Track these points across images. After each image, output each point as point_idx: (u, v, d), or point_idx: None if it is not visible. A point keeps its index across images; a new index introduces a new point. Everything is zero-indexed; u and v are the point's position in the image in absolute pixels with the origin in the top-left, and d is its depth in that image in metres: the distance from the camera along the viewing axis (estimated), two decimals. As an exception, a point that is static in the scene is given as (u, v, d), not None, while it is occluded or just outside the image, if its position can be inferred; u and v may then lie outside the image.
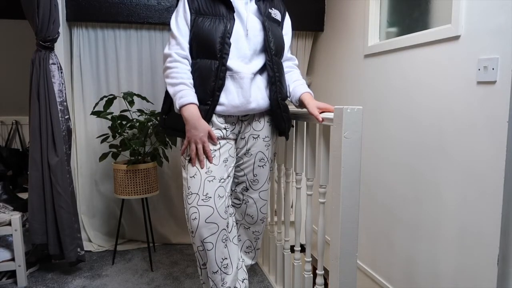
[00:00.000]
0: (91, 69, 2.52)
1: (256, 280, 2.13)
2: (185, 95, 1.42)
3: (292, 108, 1.68)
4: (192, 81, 1.47)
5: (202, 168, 1.46)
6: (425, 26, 1.88)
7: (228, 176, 1.52)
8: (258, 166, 1.62)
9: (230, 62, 1.47)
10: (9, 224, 2.00)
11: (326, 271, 1.72)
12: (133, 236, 2.66)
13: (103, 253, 2.49)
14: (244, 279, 1.63)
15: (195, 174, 1.46)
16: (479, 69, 1.51)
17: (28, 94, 2.03)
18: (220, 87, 1.47)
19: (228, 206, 1.51)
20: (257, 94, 1.52)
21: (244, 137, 1.59)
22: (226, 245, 1.48)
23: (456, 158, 1.65)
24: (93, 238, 2.57)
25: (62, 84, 2.09)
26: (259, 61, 1.54)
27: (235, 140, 1.59)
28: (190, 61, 1.50)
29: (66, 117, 2.11)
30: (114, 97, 2.26)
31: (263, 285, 2.09)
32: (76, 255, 2.12)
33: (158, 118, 2.30)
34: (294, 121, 1.73)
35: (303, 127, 1.69)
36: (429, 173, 1.81)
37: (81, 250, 2.17)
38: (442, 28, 1.70)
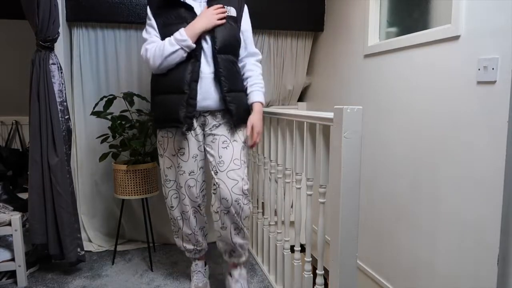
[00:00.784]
0: (91, 69, 2.52)
1: (256, 280, 2.13)
2: (173, 38, 1.65)
3: (289, 110, 1.70)
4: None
5: (174, 162, 1.80)
6: (425, 26, 1.88)
7: (200, 168, 1.82)
8: (222, 147, 1.76)
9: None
10: (9, 224, 2.00)
11: (326, 271, 1.72)
12: (133, 236, 2.66)
13: (103, 253, 2.49)
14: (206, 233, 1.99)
15: (170, 166, 1.82)
16: (479, 69, 1.51)
17: (28, 94, 2.03)
18: (196, 79, 1.67)
19: (201, 190, 1.84)
20: (214, 92, 1.72)
21: (210, 128, 1.79)
22: (195, 216, 1.86)
23: (456, 158, 1.65)
24: (93, 238, 2.57)
25: (62, 84, 2.09)
26: (212, 60, 1.71)
27: (203, 133, 1.81)
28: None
29: (66, 117, 2.11)
30: (114, 97, 2.26)
31: (263, 285, 2.09)
32: (76, 255, 2.12)
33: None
34: (294, 120, 1.73)
35: (303, 127, 1.69)
36: (429, 173, 1.81)
37: (81, 250, 2.17)
38: (442, 28, 1.70)
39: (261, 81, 1.84)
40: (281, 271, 1.99)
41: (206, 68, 1.71)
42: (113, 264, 2.34)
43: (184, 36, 1.63)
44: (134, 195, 2.24)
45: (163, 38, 1.69)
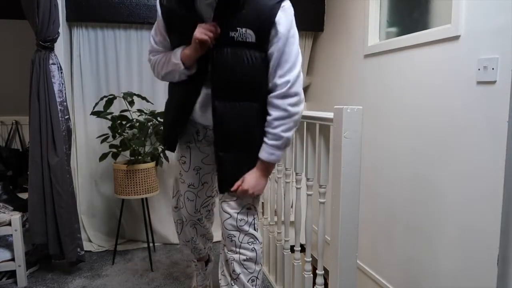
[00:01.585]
0: (91, 69, 2.52)
1: (256, 280, 2.13)
2: (175, 51, 1.33)
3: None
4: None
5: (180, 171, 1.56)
6: (425, 26, 1.88)
7: (203, 184, 1.54)
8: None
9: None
10: (9, 224, 2.00)
11: (326, 271, 1.72)
12: (133, 236, 2.66)
13: (103, 253, 2.49)
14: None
15: (180, 171, 1.58)
16: (479, 69, 1.51)
17: (28, 94, 2.03)
18: (189, 111, 1.38)
19: (202, 207, 1.59)
20: (210, 113, 1.34)
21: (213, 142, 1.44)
22: (195, 227, 1.65)
23: (456, 158, 1.65)
24: (93, 238, 2.57)
25: (62, 84, 2.09)
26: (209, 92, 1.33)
27: (210, 145, 1.45)
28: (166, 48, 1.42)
29: (66, 117, 2.11)
30: (114, 97, 2.26)
31: (263, 285, 2.09)
32: (76, 255, 2.12)
33: (158, 118, 2.30)
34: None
35: (303, 127, 1.69)
36: (429, 173, 1.81)
37: (81, 250, 2.17)
38: (442, 28, 1.70)
39: (273, 129, 1.28)
40: (281, 271, 1.99)
41: (204, 88, 1.34)
42: (113, 264, 2.34)
43: (177, 58, 1.30)
44: (134, 195, 2.24)
45: (173, 43, 1.38)
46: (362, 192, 1.33)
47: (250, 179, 1.32)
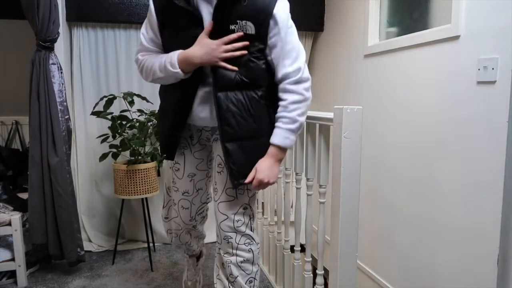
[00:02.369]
0: (91, 69, 2.52)
1: (256, 280, 2.13)
2: (168, 57, 1.28)
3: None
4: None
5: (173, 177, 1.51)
6: (425, 26, 1.88)
7: (198, 190, 1.51)
8: (217, 172, 1.40)
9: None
10: (9, 224, 2.00)
11: (326, 271, 1.72)
12: (133, 236, 2.66)
13: (103, 253, 2.49)
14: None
15: (173, 179, 1.53)
16: (479, 69, 1.51)
17: (28, 94, 2.03)
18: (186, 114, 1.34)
19: (197, 214, 1.56)
20: (210, 112, 1.33)
21: (211, 142, 1.45)
22: (190, 233, 1.64)
23: (456, 158, 1.65)
24: (93, 238, 2.57)
25: (62, 84, 2.09)
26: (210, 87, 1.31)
27: (206, 150, 1.48)
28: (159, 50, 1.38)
29: (66, 117, 2.11)
30: (114, 97, 2.26)
31: (263, 285, 2.09)
32: (76, 255, 2.12)
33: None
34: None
35: (303, 127, 1.68)
36: (429, 173, 1.81)
37: (81, 250, 2.17)
38: (442, 28, 1.70)
39: (288, 113, 1.28)
40: (281, 271, 1.99)
41: (201, 86, 1.32)
42: (113, 264, 2.34)
43: (175, 67, 1.26)
44: (134, 195, 2.24)
45: (164, 45, 1.36)
46: (362, 192, 1.33)
47: (263, 168, 1.29)
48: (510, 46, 1.38)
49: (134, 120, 2.28)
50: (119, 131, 2.25)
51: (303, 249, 1.89)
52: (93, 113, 2.24)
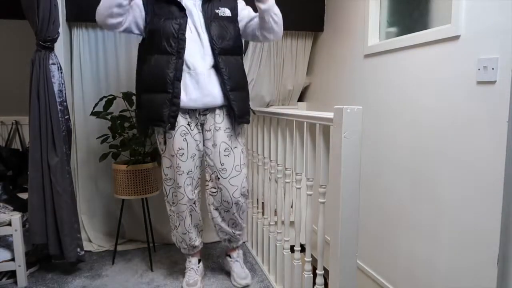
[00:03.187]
0: (91, 69, 2.52)
1: (256, 280, 2.13)
2: None
3: (289, 110, 1.70)
4: None
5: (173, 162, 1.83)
6: (425, 26, 1.88)
7: (197, 167, 1.88)
8: (224, 155, 1.86)
9: (187, 57, 1.72)
10: (9, 224, 2.00)
11: (326, 271, 1.72)
12: (133, 236, 2.66)
13: (103, 253, 2.49)
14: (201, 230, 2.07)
15: (170, 166, 1.87)
16: (479, 69, 1.51)
17: (28, 94, 2.03)
18: (179, 77, 1.72)
19: (196, 187, 1.91)
20: (212, 89, 1.77)
21: (210, 129, 1.86)
22: (191, 214, 1.93)
23: (456, 158, 1.65)
24: (93, 238, 2.57)
25: (62, 84, 2.08)
26: (211, 58, 1.77)
27: (200, 132, 1.87)
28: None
29: (66, 117, 2.11)
30: (114, 98, 2.26)
31: (263, 285, 2.09)
32: (76, 255, 2.12)
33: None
34: (294, 120, 1.73)
35: (303, 127, 1.69)
36: (429, 173, 1.81)
37: (81, 250, 2.16)
38: (442, 28, 1.70)
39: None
40: (281, 271, 1.99)
41: (201, 64, 1.75)
42: (113, 264, 2.34)
43: None
44: (134, 195, 2.24)
45: (150, 30, 1.76)
46: (362, 192, 1.33)
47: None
48: (510, 46, 1.38)
49: (134, 120, 2.28)
50: (119, 131, 2.25)
51: (303, 249, 1.89)
52: (93, 113, 2.24)
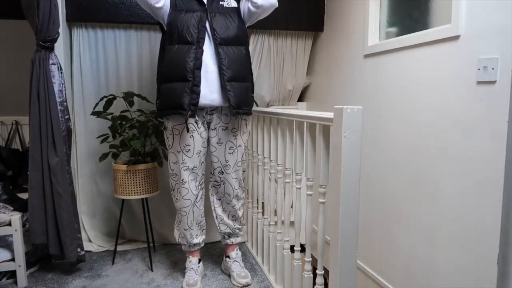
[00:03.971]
0: (91, 69, 2.52)
1: (256, 280, 2.13)
2: None
3: (289, 110, 1.70)
4: None
5: (179, 158, 1.90)
6: (425, 26, 1.88)
7: (201, 163, 1.96)
8: (228, 153, 1.98)
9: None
10: (9, 224, 2.00)
11: (326, 271, 1.72)
12: (133, 236, 2.66)
13: (103, 253, 2.49)
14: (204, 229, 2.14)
15: (176, 162, 1.93)
16: (479, 69, 1.51)
17: (28, 94, 2.03)
18: (199, 66, 1.77)
19: (200, 183, 1.98)
20: (219, 86, 1.82)
21: (215, 128, 1.94)
22: (193, 211, 1.99)
23: (456, 158, 1.65)
24: (93, 238, 2.57)
25: (62, 84, 2.08)
26: (213, 49, 1.82)
27: (207, 130, 1.94)
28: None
29: (66, 117, 2.11)
30: (114, 97, 2.26)
31: (263, 285, 2.09)
32: (76, 255, 2.12)
33: (158, 118, 2.30)
34: (294, 120, 1.73)
35: (303, 127, 1.69)
36: (429, 173, 1.81)
37: (81, 250, 2.16)
38: (442, 28, 1.70)
39: None
40: (281, 271, 1.99)
41: (210, 62, 1.82)
42: (113, 264, 2.34)
43: None
44: (134, 195, 2.24)
45: (172, 22, 1.81)
46: (362, 192, 1.33)
47: None
48: (510, 46, 1.38)
49: (134, 120, 2.28)
50: (119, 131, 2.25)
51: (303, 249, 1.89)
52: (93, 113, 2.24)
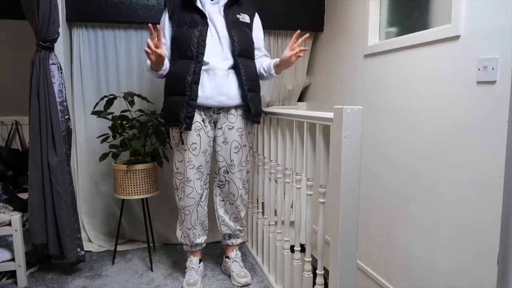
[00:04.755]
0: (91, 69, 2.52)
1: (256, 280, 2.14)
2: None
3: (289, 110, 1.70)
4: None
5: (185, 156, 1.93)
6: (425, 26, 1.88)
7: (207, 162, 1.99)
8: (234, 152, 1.99)
9: (207, 58, 1.84)
10: (9, 224, 2.00)
11: (326, 271, 1.72)
12: (133, 236, 2.66)
13: (103, 253, 2.49)
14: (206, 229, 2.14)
15: (181, 160, 1.95)
16: (479, 69, 1.51)
17: (28, 94, 2.03)
18: (196, 80, 1.83)
19: (204, 183, 2.00)
20: (228, 88, 1.88)
21: (221, 127, 1.96)
22: (197, 210, 2.01)
23: (456, 158, 1.65)
24: (93, 238, 2.57)
25: (62, 84, 2.09)
26: (231, 61, 1.89)
27: (213, 129, 1.97)
28: (169, 58, 1.92)
29: (66, 117, 2.11)
30: (115, 97, 2.26)
31: (263, 285, 2.09)
32: (76, 255, 2.12)
33: (158, 118, 2.31)
34: (294, 120, 1.73)
35: (303, 127, 1.69)
36: (429, 173, 1.81)
37: (81, 250, 2.17)
38: (442, 28, 1.70)
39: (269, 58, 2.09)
40: (281, 271, 1.99)
41: (220, 65, 1.86)
42: (113, 264, 2.34)
43: (147, 64, 1.89)
44: (134, 195, 2.24)
45: (175, 37, 1.89)
46: (362, 192, 1.33)
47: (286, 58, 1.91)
48: (510, 46, 1.38)
49: (134, 120, 2.28)
50: (119, 131, 2.25)
51: (303, 249, 1.89)
52: (93, 113, 2.24)
